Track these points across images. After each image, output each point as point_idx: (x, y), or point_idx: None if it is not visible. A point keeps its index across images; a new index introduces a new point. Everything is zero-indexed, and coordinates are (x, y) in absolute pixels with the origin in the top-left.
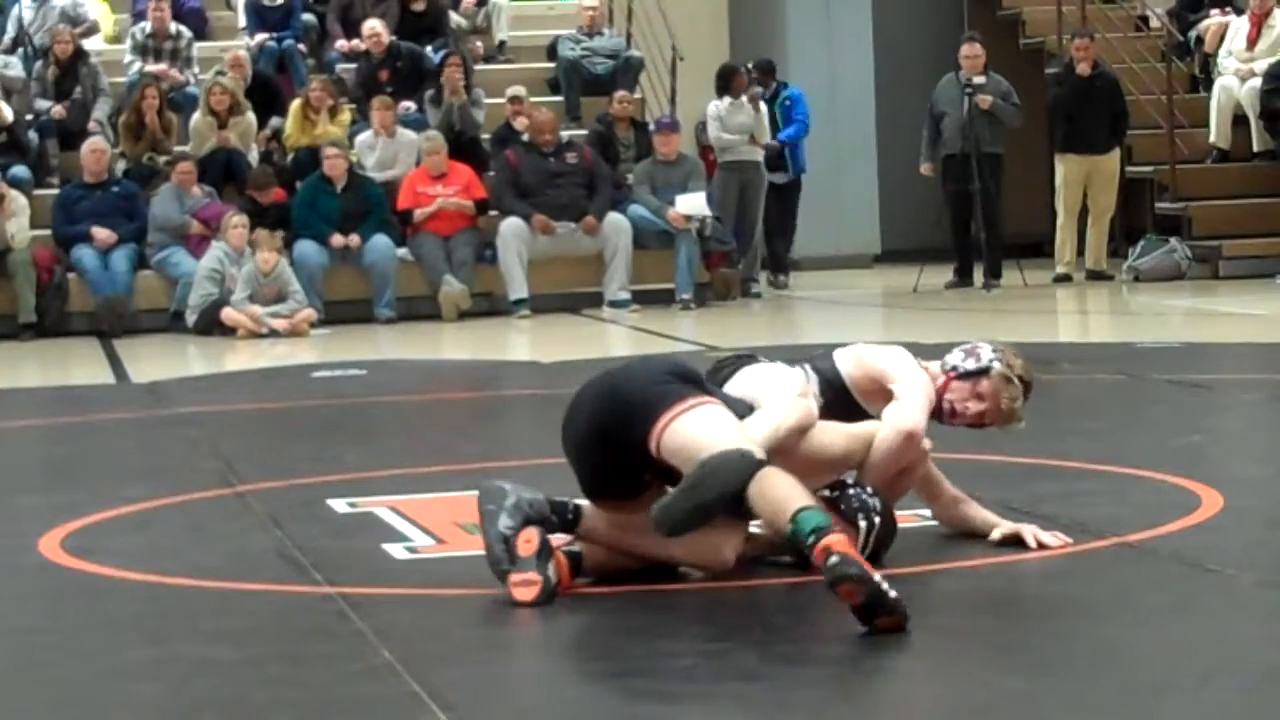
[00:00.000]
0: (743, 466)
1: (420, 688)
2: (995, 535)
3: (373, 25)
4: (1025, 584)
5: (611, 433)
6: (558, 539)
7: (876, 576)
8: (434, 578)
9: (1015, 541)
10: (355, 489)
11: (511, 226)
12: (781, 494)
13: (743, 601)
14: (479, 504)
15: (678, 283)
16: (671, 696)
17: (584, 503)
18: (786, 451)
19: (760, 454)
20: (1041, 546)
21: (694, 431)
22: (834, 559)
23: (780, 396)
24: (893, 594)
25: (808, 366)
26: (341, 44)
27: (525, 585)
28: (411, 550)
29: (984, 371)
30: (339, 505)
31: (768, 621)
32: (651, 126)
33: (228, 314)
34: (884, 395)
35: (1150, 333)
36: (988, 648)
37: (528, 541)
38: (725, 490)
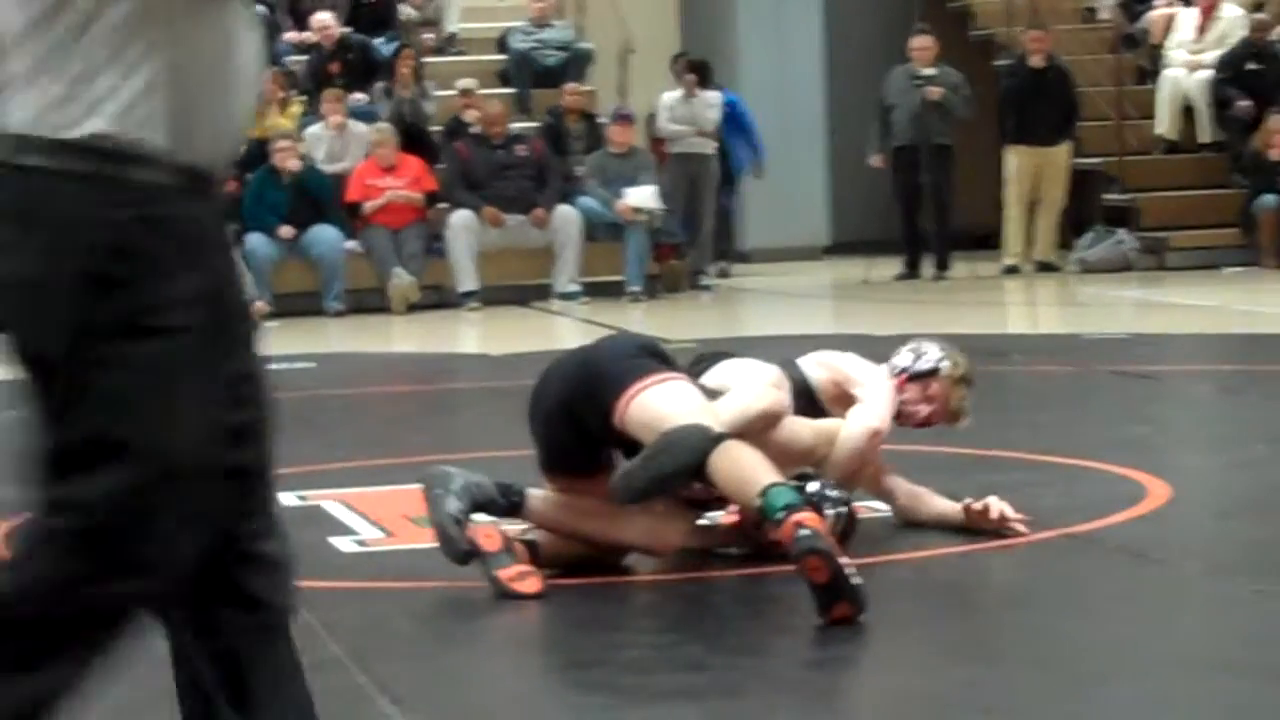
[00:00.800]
0: (701, 440)
1: (369, 681)
2: (971, 503)
3: (322, 18)
4: (973, 575)
5: (577, 405)
6: (513, 528)
7: (844, 560)
8: (383, 571)
9: (982, 514)
10: (304, 482)
11: (461, 219)
12: (749, 468)
13: (692, 594)
14: (424, 491)
15: (627, 275)
16: (619, 689)
17: (531, 489)
18: (757, 440)
19: (720, 429)
20: (1004, 522)
21: (658, 405)
22: (805, 532)
23: (753, 383)
24: (855, 580)
25: (778, 369)
26: (292, 35)
27: (524, 577)
28: (360, 543)
29: (933, 373)
30: (288, 498)
31: (716, 613)
32: (606, 118)
33: None
34: (845, 401)
35: (1098, 324)
36: (935, 638)
37: (489, 537)
38: (684, 462)
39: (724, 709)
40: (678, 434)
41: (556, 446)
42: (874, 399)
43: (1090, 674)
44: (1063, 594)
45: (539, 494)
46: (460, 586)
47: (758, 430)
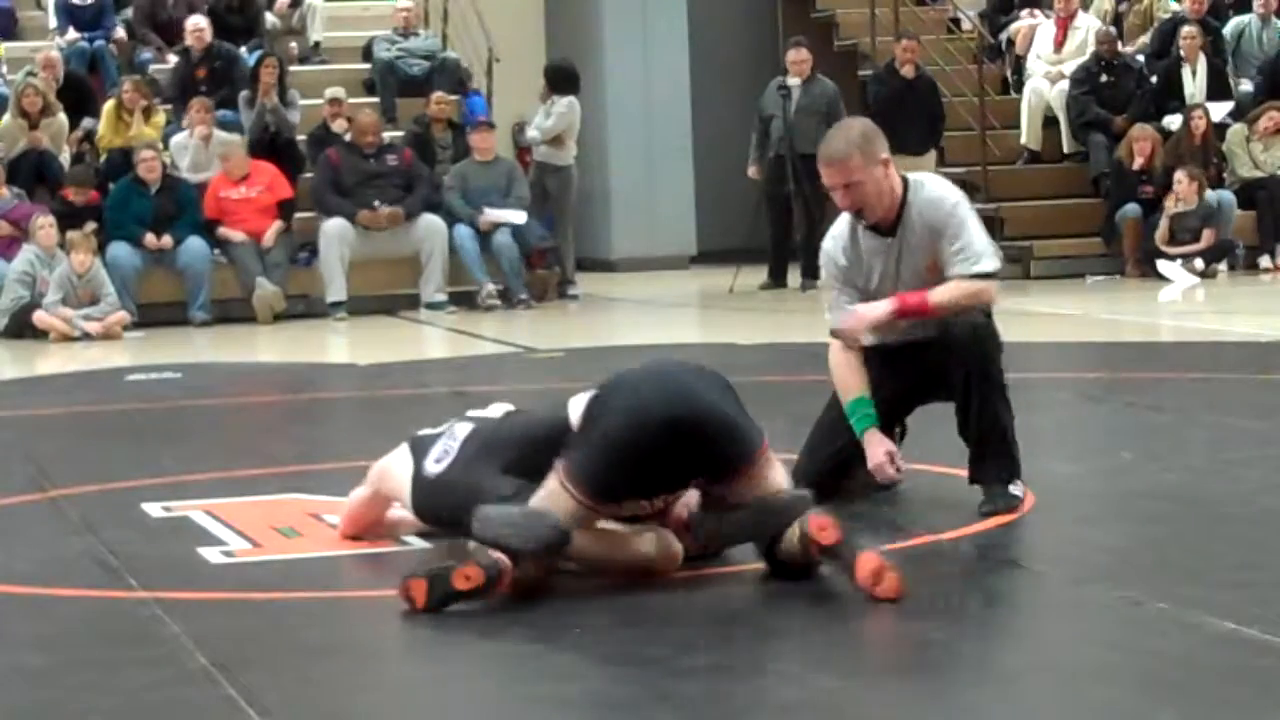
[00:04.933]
0: (804, 507)
1: (236, 692)
2: None
3: (196, 21)
4: (838, 582)
5: (706, 454)
6: None
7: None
8: (250, 582)
9: None
10: (170, 493)
11: (334, 227)
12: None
13: (565, 604)
14: None
15: (509, 284)
16: (487, 698)
17: None
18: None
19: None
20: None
21: (773, 472)
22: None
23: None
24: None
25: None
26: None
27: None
28: (227, 554)
29: None
30: (153, 509)
31: (586, 622)
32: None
33: (39, 317)
34: None
35: None
36: (803, 646)
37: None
38: (788, 524)
39: (590, 717)
40: (790, 500)
41: (664, 480)
42: None
43: (956, 681)
44: (930, 601)
45: None
46: (328, 597)
47: None
